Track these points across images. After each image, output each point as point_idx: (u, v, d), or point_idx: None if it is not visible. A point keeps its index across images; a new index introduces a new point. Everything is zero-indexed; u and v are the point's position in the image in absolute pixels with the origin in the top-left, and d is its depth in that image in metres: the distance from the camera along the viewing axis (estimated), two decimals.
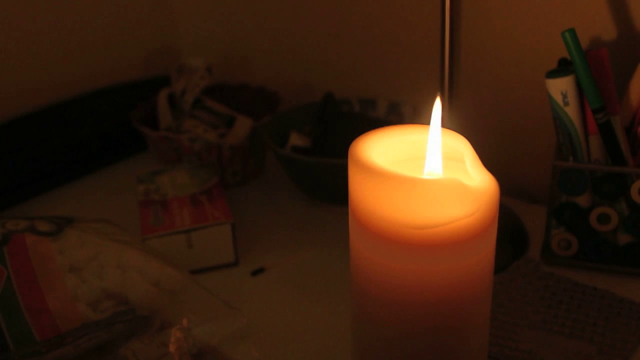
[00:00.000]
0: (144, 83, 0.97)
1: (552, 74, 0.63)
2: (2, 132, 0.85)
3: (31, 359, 0.51)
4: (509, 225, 0.72)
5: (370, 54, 0.89)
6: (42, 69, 0.90)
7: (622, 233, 0.65)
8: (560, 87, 0.63)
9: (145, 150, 0.92)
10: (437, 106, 0.43)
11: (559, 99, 0.63)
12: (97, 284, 0.56)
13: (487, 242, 0.43)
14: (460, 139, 0.45)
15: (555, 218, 0.66)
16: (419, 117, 0.81)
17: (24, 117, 0.87)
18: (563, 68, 0.65)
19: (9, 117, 0.86)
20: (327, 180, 0.75)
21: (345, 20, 0.89)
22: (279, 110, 0.86)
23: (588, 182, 0.64)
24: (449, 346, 0.45)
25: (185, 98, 0.88)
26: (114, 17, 0.97)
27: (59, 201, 0.84)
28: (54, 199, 0.85)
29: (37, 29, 0.89)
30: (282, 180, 0.85)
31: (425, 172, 0.44)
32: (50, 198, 0.85)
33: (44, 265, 0.55)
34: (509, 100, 0.80)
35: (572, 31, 0.61)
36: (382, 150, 0.45)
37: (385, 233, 0.41)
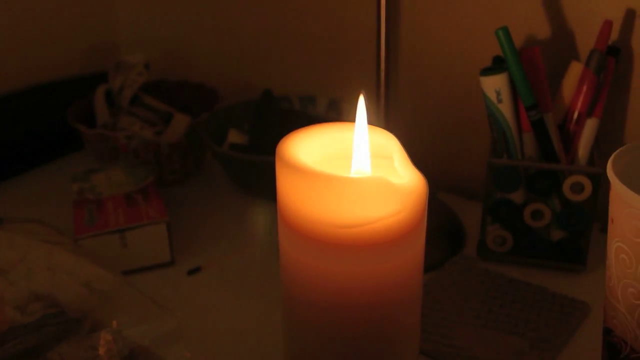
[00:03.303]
0: (82, 79, 0.95)
1: (486, 71, 0.64)
2: None
3: None
4: (445, 222, 0.73)
5: (310, 50, 0.88)
6: None
7: (555, 229, 0.66)
8: (494, 85, 0.63)
9: (82, 148, 0.91)
10: (361, 104, 0.43)
11: (492, 96, 0.63)
12: (25, 286, 0.55)
13: (416, 242, 0.43)
14: (389, 137, 0.45)
15: (490, 215, 0.67)
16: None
17: None
18: (497, 66, 0.65)
19: None
20: (265, 178, 0.74)
21: (285, 17, 0.89)
22: (218, 107, 0.85)
23: (522, 179, 0.65)
24: (379, 348, 0.45)
25: (122, 95, 0.87)
26: (50, 11, 0.94)
27: None
28: None
29: None
30: (221, 178, 0.84)
31: (352, 170, 0.44)
32: None
33: None
34: (448, 97, 0.80)
35: (505, 29, 0.61)
36: (311, 149, 0.44)
37: (311, 232, 0.41)
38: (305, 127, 0.46)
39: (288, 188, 0.42)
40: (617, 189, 0.45)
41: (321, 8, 0.86)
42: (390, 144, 0.45)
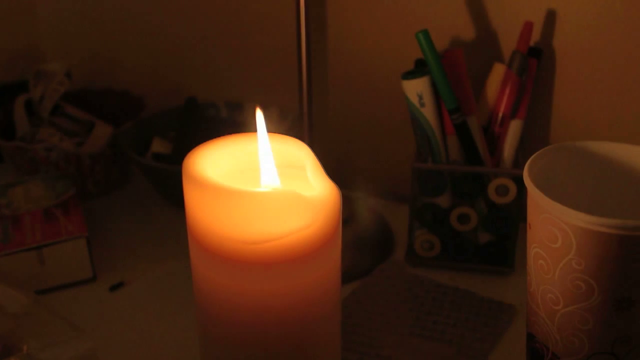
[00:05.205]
0: (1, 89, 0.92)
1: (408, 75, 0.63)
2: None
3: None
4: (374, 228, 0.72)
5: (237, 56, 0.87)
6: None
7: (482, 232, 0.66)
8: (416, 89, 0.62)
9: (1, 162, 0.87)
10: (259, 117, 0.42)
11: (415, 100, 0.63)
12: None
13: (330, 255, 0.42)
14: (301, 147, 0.44)
15: (417, 219, 0.66)
16: (286, 120, 0.79)
17: None
18: (419, 69, 0.64)
19: None
20: None
21: (211, 22, 0.87)
22: (143, 116, 0.83)
23: (447, 182, 0.64)
24: None
25: (43, 104, 0.84)
26: None
27: None
28: None
29: None
30: (149, 188, 0.82)
31: (262, 183, 0.43)
32: None
33: None
34: (376, 100, 0.79)
35: (425, 32, 0.61)
36: (220, 162, 0.43)
37: (220, 250, 0.39)
38: (214, 139, 0.44)
39: (195, 204, 0.40)
40: (533, 194, 0.44)
41: (246, 12, 0.84)
42: (302, 154, 0.43)
